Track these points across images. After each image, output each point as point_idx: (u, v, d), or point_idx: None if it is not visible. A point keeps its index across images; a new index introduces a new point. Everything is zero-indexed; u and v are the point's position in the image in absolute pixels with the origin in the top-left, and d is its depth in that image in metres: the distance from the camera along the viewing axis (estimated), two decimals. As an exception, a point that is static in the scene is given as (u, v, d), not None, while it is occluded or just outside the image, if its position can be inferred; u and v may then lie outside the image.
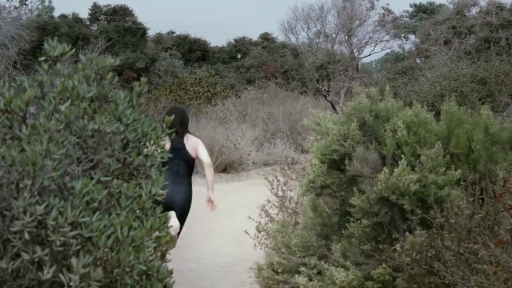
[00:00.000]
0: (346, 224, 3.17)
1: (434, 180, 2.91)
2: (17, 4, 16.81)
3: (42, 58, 1.62)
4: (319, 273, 3.21)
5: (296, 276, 3.28)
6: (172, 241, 5.71)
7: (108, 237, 1.42)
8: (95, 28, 20.68)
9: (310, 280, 3.19)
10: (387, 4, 19.10)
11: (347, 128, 3.26)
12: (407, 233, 2.83)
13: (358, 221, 3.07)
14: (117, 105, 1.61)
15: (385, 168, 2.95)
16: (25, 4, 18.09)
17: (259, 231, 4.74)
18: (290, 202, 5.04)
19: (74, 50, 1.68)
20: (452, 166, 3.02)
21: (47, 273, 1.40)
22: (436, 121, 3.33)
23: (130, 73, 18.54)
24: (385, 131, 3.18)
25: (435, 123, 3.25)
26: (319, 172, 3.25)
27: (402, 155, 3.01)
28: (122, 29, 20.20)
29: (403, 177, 2.89)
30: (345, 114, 3.45)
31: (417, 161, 3.02)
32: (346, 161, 3.17)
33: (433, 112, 3.44)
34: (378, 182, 2.94)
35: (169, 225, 1.78)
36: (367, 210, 3.02)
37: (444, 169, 2.98)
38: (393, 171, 2.94)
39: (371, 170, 3.09)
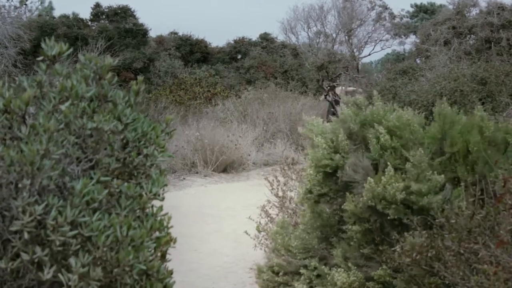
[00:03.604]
0: (344, 227, 3.17)
1: (418, 188, 2.90)
2: (17, 4, 16.81)
3: (40, 58, 1.62)
4: (319, 275, 3.21)
5: (296, 281, 3.29)
6: None
7: (108, 236, 1.42)
8: (95, 28, 20.65)
9: (311, 282, 3.19)
10: (383, 2, 19.11)
11: (335, 139, 3.27)
12: (406, 234, 2.83)
13: (351, 226, 3.08)
14: (116, 104, 1.60)
15: (369, 178, 2.94)
16: (25, 5, 18.09)
17: (259, 232, 4.74)
18: (290, 203, 5.04)
19: (71, 49, 1.68)
20: (453, 171, 3.01)
21: (47, 273, 1.39)
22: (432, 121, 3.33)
23: (127, 74, 18.51)
24: (370, 139, 3.19)
25: (418, 124, 3.25)
26: (314, 181, 3.27)
27: (396, 161, 3.01)
28: (123, 31, 20.17)
29: (389, 186, 2.88)
30: (331, 128, 3.48)
31: (406, 164, 3.02)
32: (339, 172, 3.19)
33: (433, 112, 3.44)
34: (365, 192, 2.93)
35: None
36: (358, 216, 3.02)
37: (430, 172, 2.96)
38: (381, 179, 2.93)
39: (363, 176, 3.10)
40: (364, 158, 3.12)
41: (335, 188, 3.28)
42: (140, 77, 1.72)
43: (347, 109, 3.42)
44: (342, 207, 3.12)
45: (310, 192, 3.31)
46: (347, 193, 3.09)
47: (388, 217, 2.90)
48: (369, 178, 2.94)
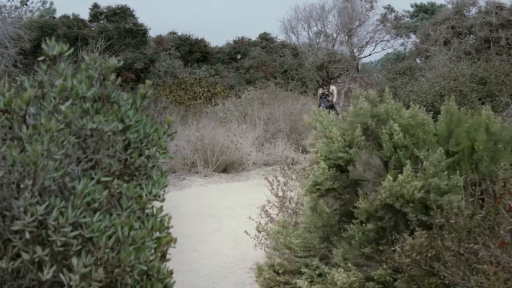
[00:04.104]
0: (346, 226, 3.16)
1: (437, 185, 2.89)
2: (18, 4, 16.83)
3: (41, 58, 1.62)
4: (320, 274, 3.21)
5: (298, 278, 3.28)
6: None
7: (109, 237, 1.42)
8: (94, 28, 20.62)
9: (312, 281, 3.19)
10: (389, 4, 19.15)
11: (351, 134, 3.24)
12: (405, 235, 2.83)
13: (362, 224, 3.05)
14: (120, 105, 1.60)
15: (388, 176, 2.93)
16: (26, 5, 18.08)
17: (259, 231, 4.74)
18: (290, 203, 5.04)
19: (72, 50, 1.68)
20: (456, 169, 3.00)
21: (47, 273, 1.40)
22: (434, 121, 3.32)
23: (128, 74, 18.51)
24: (382, 134, 3.17)
25: (432, 124, 3.23)
26: (327, 175, 3.23)
27: (407, 161, 2.99)
28: (123, 31, 20.15)
29: (407, 184, 2.87)
30: (347, 121, 3.42)
31: (419, 164, 3.01)
32: (350, 167, 3.16)
33: (432, 112, 3.43)
34: (382, 190, 2.92)
35: None
36: (372, 213, 3.01)
37: (447, 172, 2.95)
38: (396, 177, 2.92)
39: (374, 175, 3.09)
40: (374, 156, 3.10)
41: (344, 184, 3.26)
42: (149, 81, 1.72)
43: (365, 102, 3.38)
44: (355, 204, 3.09)
45: (318, 184, 3.28)
46: (359, 190, 3.07)
47: (406, 216, 2.89)
48: (388, 176, 2.93)
